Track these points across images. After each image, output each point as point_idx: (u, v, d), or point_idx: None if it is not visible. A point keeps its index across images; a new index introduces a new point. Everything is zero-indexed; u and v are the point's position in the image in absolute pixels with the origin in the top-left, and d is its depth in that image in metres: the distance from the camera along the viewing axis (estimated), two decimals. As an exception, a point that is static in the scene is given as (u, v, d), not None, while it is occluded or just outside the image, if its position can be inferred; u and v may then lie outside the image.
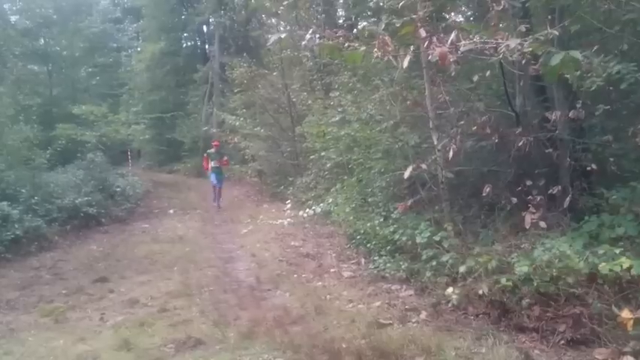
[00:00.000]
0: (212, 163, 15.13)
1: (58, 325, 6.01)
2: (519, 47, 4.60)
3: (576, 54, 3.65)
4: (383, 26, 5.99)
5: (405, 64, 5.46)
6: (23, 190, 10.92)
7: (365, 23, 11.51)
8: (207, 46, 30.26)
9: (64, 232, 11.33)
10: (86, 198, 12.42)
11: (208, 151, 15.70)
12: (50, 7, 20.22)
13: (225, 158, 15.72)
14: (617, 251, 4.40)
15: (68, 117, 17.95)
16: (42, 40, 20.13)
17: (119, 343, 5.19)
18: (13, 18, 20.30)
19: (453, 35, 4.78)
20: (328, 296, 6.38)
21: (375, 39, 5.74)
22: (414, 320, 5.27)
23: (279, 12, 16.27)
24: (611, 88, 5.27)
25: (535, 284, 4.56)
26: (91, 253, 9.89)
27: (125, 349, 5.07)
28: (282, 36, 6.71)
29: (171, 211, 15.04)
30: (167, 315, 6.10)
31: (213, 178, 15.24)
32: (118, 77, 29.21)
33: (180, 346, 5.04)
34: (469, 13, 11.01)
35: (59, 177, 13.51)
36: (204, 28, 30.02)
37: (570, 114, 5.65)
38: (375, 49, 5.61)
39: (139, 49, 32.26)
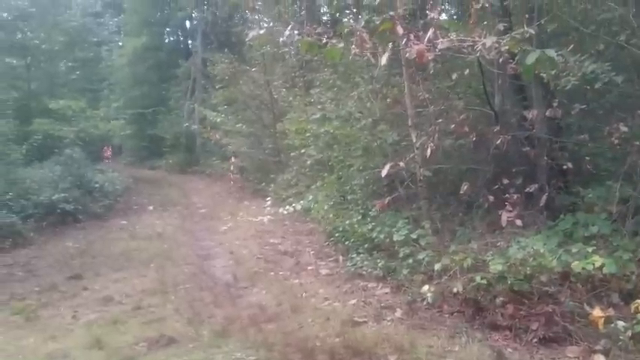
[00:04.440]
0: None
1: (28, 323, 5.90)
2: (496, 45, 4.61)
3: (551, 52, 3.65)
4: (362, 23, 5.96)
5: (384, 61, 5.43)
6: (-3, 186, 10.73)
7: (345, 20, 11.50)
8: (189, 42, 30.09)
9: (40, 228, 11.17)
10: (63, 194, 12.21)
11: None
12: (27, -1, 19.86)
13: None
14: (590, 249, 4.43)
15: (46, 112, 17.66)
16: (19, 34, 19.71)
17: (91, 341, 5.09)
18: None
19: (430, 33, 4.77)
20: (304, 294, 6.33)
21: (354, 36, 5.72)
22: (388, 318, 5.24)
23: (256, 7, 16.16)
24: (587, 87, 5.30)
25: (509, 282, 4.56)
26: (67, 250, 9.73)
27: (96, 347, 4.98)
28: (261, 32, 6.65)
29: (150, 208, 14.86)
30: (141, 313, 6.02)
31: None
32: (98, 72, 28.79)
33: (152, 344, 4.96)
34: (452, 12, 11.10)
35: (35, 173, 13.32)
36: (187, 23, 29.85)
37: (547, 113, 5.68)
38: (353, 46, 5.60)
39: (120, 43, 31.94)
